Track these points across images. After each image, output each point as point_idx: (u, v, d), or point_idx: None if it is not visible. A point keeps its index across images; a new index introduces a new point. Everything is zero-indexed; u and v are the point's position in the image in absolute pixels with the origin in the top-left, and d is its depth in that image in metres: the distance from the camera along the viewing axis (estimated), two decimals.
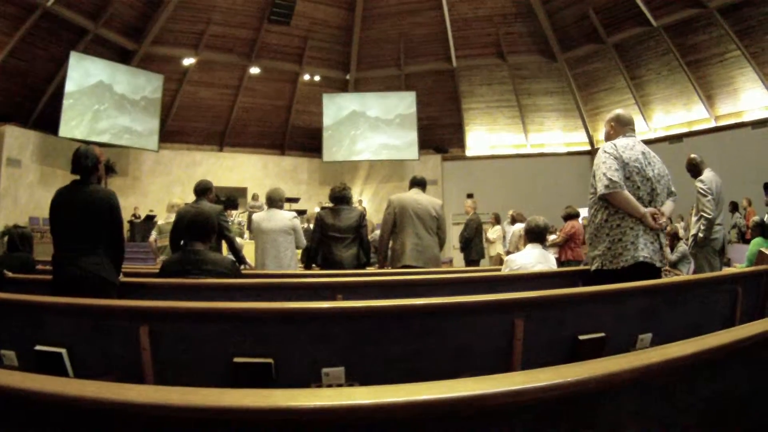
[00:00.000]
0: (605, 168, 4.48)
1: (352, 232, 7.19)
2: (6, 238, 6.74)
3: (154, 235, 9.47)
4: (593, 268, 4.67)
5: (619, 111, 5.01)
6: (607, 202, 4.54)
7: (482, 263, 13.23)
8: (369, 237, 9.57)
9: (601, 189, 4.49)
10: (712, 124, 18.87)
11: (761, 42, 17.00)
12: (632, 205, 4.43)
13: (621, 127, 4.81)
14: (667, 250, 10.79)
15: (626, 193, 4.43)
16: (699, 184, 7.06)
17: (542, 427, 1.47)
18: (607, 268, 4.52)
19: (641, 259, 4.40)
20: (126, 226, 18.57)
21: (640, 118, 20.11)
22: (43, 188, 18.37)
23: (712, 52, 18.22)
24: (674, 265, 10.51)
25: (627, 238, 4.45)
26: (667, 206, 4.64)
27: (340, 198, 7.34)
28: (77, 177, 4.55)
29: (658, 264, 4.54)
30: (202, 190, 7.49)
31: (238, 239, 8.80)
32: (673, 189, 4.78)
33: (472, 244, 12.53)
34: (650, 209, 4.46)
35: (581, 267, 6.42)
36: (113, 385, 1.38)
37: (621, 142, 4.64)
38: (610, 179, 4.42)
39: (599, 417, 1.56)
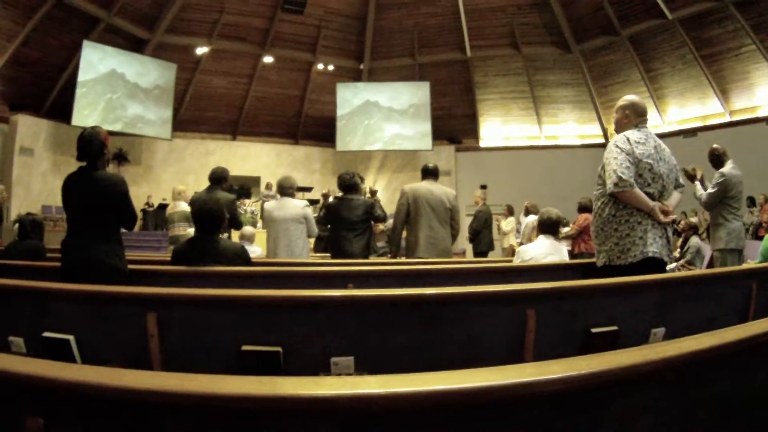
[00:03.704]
0: (616, 164, 4.32)
1: (363, 223, 7.15)
2: (17, 226, 6.74)
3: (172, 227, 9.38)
4: (600, 263, 4.58)
5: (633, 98, 4.76)
6: (616, 198, 4.42)
7: (497, 255, 13.27)
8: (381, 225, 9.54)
9: (610, 186, 4.34)
10: (727, 118, 18.68)
11: None
12: (643, 202, 4.32)
13: (636, 117, 4.60)
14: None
15: (636, 190, 4.30)
16: (715, 178, 7.03)
17: (554, 420, 1.44)
18: (615, 264, 4.43)
19: (650, 254, 4.32)
20: (139, 215, 18.63)
21: (655, 111, 19.96)
22: (55, 177, 18.44)
23: (728, 46, 18.04)
24: (690, 263, 10.45)
25: (635, 234, 4.35)
26: (673, 198, 4.54)
27: (350, 186, 7.29)
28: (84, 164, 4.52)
29: (665, 259, 4.47)
30: (217, 178, 7.47)
31: (249, 228, 8.79)
32: (681, 181, 4.69)
33: (481, 235, 12.58)
34: (657, 203, 4.36)
35: (593, 260, 6.37)
36: (111, 370, 1.37)
37: (634, 135, 4.45)
38: (620, 177, 4.26)
39: (612, 410, 1.53)
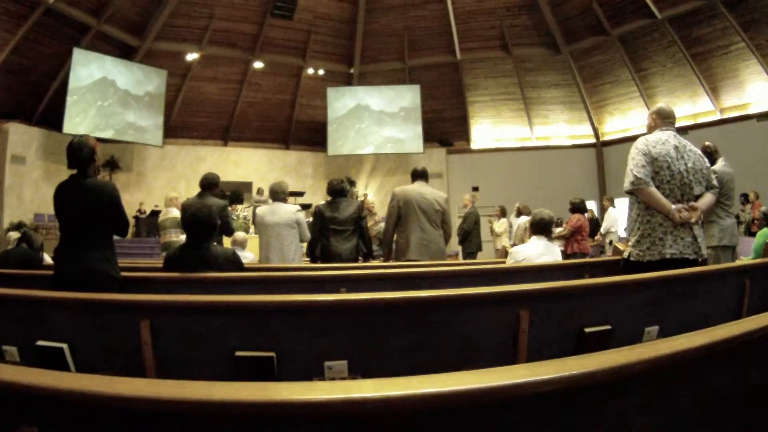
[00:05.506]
0: (632, 164, 4.59)
1: (352, 224, 7.23)
2: (19, 234, 6.77)
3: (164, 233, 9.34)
4: (625, 255, 4.84)
5: (661, 105, 5.09)
6: (638, 198, 4.65)
7: (489, 256, 13.45)
8: (374, 228, 9.61)
9: (626, 185, 4.61)
10: (718, 116, 18.71)
11: (766, 34, 16.85)
12: (659, 201, 4.51)
13: (661, 120, 4.90)
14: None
15: (652, 189, 4.51)
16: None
17: (548, 421, 1.44)
18: (635, 260, 4.65)
19: (668, 256, 4.49)
20: (131, 222, 18.57)
21: (645, 110, 19.94)
22: (47, 185, 18.32)
23: (717, 44, 18.09)
24: None
25: (656, 234, 4.56)
26: (704, 200, 4.68)
27: (339, 191, 7.41)
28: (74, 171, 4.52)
29: (692, 257, 4.58)
30: (208, 185, 7.50)
31: (241, 233, 8.77)
32: (714, 182, 4.79)
33: (471, 237, 12.97)
34: (678, 206, 4.51)
35: (587, 259, 6.40)
36: (105, 378, 1.36)
37: (653, 136, 4.72)
38: (636, 176, 4.52)
39: (606, 411, 1.53)
